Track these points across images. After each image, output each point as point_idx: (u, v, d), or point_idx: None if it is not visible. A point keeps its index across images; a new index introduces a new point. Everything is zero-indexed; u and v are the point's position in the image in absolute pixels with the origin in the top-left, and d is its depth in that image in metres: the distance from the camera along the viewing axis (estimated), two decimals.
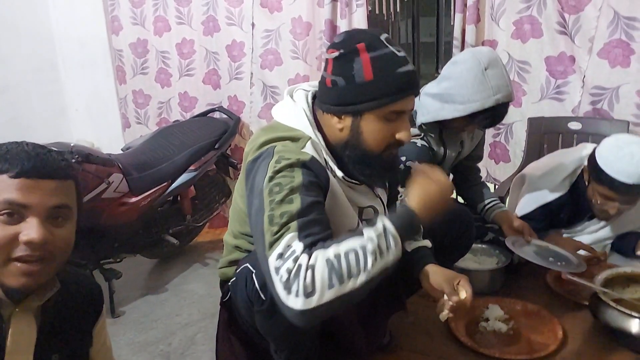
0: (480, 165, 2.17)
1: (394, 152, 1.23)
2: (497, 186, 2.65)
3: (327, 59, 1.17)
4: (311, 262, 0.96)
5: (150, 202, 2.45)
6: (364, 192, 1.28)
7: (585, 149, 1.94)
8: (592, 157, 1.78)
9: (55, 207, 0.85)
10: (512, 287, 1.85)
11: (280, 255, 0.98)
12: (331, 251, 0.98)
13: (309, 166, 1.11)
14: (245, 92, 3.01)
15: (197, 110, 3.11)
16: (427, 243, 1.41)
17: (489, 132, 2.51)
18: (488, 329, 1.59)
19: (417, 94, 1.20)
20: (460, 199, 2.16)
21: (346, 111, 1.15)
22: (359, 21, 2.63)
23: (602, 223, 1.99)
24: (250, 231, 1.25)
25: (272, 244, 1.00)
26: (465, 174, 2.09)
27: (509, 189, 2.25)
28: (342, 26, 2.66)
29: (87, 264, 2.32)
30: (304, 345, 1.22)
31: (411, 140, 1.76)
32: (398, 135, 1.18)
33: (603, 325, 1.50)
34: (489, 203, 2.00)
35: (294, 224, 1.01)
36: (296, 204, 1.04)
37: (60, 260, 0.88)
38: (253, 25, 2.86)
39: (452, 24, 2.56)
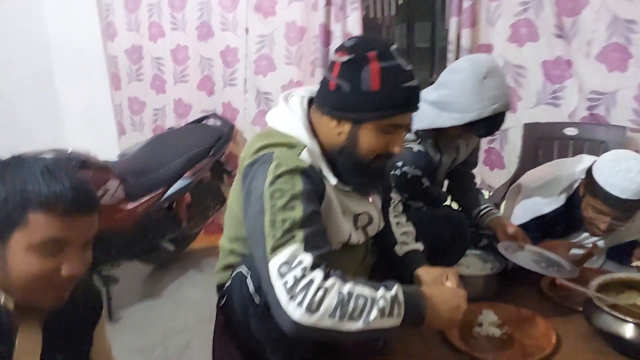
0: (474, 171, 2.18)
1: (382, 162, 1.25)
2: (491, 193, 2.66)
3: (333, 62, 1.17)
4: (326, 284, 0.99)
5: (147, 209, 2.46)
6: (358, 199, 1.29)
7: (582, 162, 1.94)
8: (589, 170, 1.78)
9: (90, 238, 0.90)
10: (506, 292, 1.85)
11: (286, 263, 1.00)
12: (347, 287, 1.01)
13: (308, 173, 1.12)
14: (239, 98, 3.01)
15: (191, 117, 3.12)
16: (420, 246, 1.42)
17: (484, 139, 2.51)
18: (482, 334, 1.59)
19: (416, 110, 1.21)
20: (454, 205, 2.17)
21: (347, 117, 1.16)
22: (354, 25, 2.64)
23: (596, 238, 1.99)
24: (245, 235, 1.26)
25: (275, 249, 1.02)
26: (459, 180, 2.10)
27: (503, 195, 2.25)
28: (337, 30, 2.67)
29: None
30: (298, 348, 1.23)
31: (408, 146, 1.78)
32: (391, 148, 1.19)
33: (597, 331, 1.51)
34: (483, 209, 2.01)
35: (299, 234, 1.03)
36: (298, 211, 1.05)
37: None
38: (247, 30, 2.87)
39: (446, 28, 2.56)
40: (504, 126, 2.05)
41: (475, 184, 2.15)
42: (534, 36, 2.37)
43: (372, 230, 1.36)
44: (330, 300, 0.98)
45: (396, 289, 1.06)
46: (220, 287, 1.36)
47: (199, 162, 2.68)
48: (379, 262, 1.50)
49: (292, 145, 1.17)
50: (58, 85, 3.42)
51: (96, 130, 3.46)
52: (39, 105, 3.31)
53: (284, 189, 1.07)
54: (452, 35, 2.49)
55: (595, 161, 1.79)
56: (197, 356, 2.01)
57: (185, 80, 3.11)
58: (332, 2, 2.64)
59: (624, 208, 1.71)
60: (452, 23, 2.47)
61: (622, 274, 1.68)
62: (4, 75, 3.05)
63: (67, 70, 3.39)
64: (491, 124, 1.69)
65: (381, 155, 1.20)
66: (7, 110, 3.06)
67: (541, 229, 2.00)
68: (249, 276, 1.15)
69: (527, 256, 1.79)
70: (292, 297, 0.97)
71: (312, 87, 1.29)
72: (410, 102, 1.16)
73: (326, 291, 0.98)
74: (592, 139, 2.26)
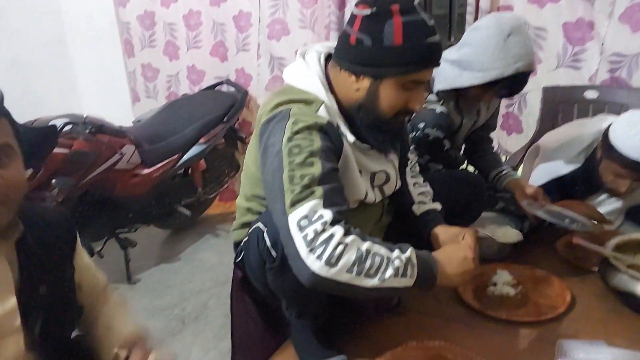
0: (492, 135, 2.15)
1: (401, 119, 1.24)
2: (508, 158, 2.63)
3: (354, 15, 1.14)
4: (346, 240, 1.00)
5: (162, 174, 2.49)
6: (376, 157, 1.29)
7: (604, 122, 1.88)
8: (605, 133, 1.75)
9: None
10: (521, 254, 1.85)
11: (306, 217, 1.01)
12: (366, 245, 1.03)
13: (326, 130, 1.12)
14: (252, 64, 3.00)
15: (205, 84, 3.12)
16: (437, 206, 1.42)
17: (502, 103, 2.47)
18: (496, 293, 1.60)
19: (438, 65, 1.19)
20: (470, 169, 2.16)
21: (367, 72, 1.14)
22: None
23: (615, 199, 1.96)
24: (261, 193, 1.26)
25: (295, 203, 1.02)
26: (477, 143, 2.07)
27: (521, 158, 2.23)
28: None
29: (102, 232, 2.37)
30: (314, 302, 1.25)
31: (430, 107, 1.76)
32: (411, 105, 1.17)
33: (612, 290, 1.51)
34: (501, 171, 1.98)
35: (318, 190, 1.03)
36: (317, 167, 1.05)
37: (14, 200, 0.87)
38: None
39: None
40: (523, 89, 2.02)
41: (492, 147, 2.13)
42: None
43: (389, 189, 1.36)
44: (349, 256, 0.99)
45: (410, 251, 1.07)
46: (237, 245, 1.37)
47: (213, 128, 2.69)
48: (395, 222, 1.50)
49: (309, 101, 1.16)
50: (71, 52, 3.43)
51: (110, 98, 3.48)
52: (53, 73, 3.33)
53: (302, 145, 1.07)
54: None
55: (611, 124, 1.76)
56: (214, 316, 2.05)
57: (198, 46, 3.09)
58: None
59: None
60: None
61: (639, 235, 1.67)
62: (18, 44, 3.07)
63: (80, 38, 3.39)
64: (513, 84, 1.66)
65: (400, 112, 1.19)
66: (22, 78, 3.08)
67: (560, 191, 1.98)
68: (265, 231, 1.16)
69: (549, 213, 1.78)
70: (312, 250, 0.98)
71: (330, 43, 1.26)
72: (433, 58, 1.14)
73: (346, 246, 0.99)
74: (613, 102, 2.21)
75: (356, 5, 1.15)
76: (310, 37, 2.79)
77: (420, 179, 1.51)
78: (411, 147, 1.67)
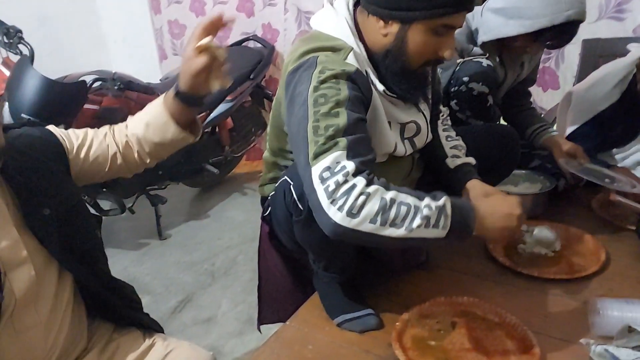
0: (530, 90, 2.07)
1: (429, 68, 1.19)
2: (543, 115, 2.54)
3: None
4: (369, 190, 0.97)
5: None
6: (406, 107, 1.24)
7: (636, 54, 1.82)
8: None
9: None
10: (556, 213, 1.81)
11: (328, 168, 0.98)
12: (390, 194, 0.98)
13: (354, 79, 1.08)
14: (279, 19, 2.94)
15: (231, 40, 3.08)
16: (471, 160, 1.38)
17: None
18: (527, 251, 1.58)
19: (471, 9, 1.12)
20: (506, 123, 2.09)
21: (395, 16, 1.08)
22: None
23: None
24: (288, 147, 1.24)
25: (318, 155, 0.99)
26: (516, 98, 1.98)
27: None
28: None
29: (133, 189, 2.40)
30: (341, 255, 1.24)
31: (476, 60, 1.69)
32: (441, 52, 1.12)
33: None
34: (538, 127, 1.92)
35: (342, 141, 1.00)
36: (342, 118, 1.02)
37: None
38: None
39: None
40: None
41: (530, 102, 2.05)
42: None
43: (420, 141, 1.32)
44: (372, 206, 0.96)
45: (444, 200, 1.02)
46: (264, 200, 1.37)
47: (239, 85, 2.67)
48: (425, 177, 1.47)
49: (337, 48, 1.12)
50: (100, 9, 3.42)
51: (138, 55, 3.48)
52: (83, 29, 3.33)
53: (329, 95, 1.03)
54: None
55: None
56: (242, 271, 2.08)
57: (224, 1, 3.04)
58: None
59: None
60: None
61: None
62: (47, 1, 3.06)
63: None
64: (563, 33, 1.57)
65: (429, 60, 1.14)
66: (51, 34, 3.09)
67: (599, 134, 1.91)
68: (292, 184, 1.14)
69: (588, 172, 1.73)
70: (333, 201, 0.96)
71: None
72: (463, 1, 1.08)
73: (368, 196, 0.96)
74: None
75: None
76: None
77: (453, 132, 1.47)
78: (451, 103, 1.61)
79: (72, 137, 1.06)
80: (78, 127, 1.97)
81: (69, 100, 2.01)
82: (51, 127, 1.06)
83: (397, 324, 1.21)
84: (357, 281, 1.36)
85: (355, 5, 1.19)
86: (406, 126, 1.25)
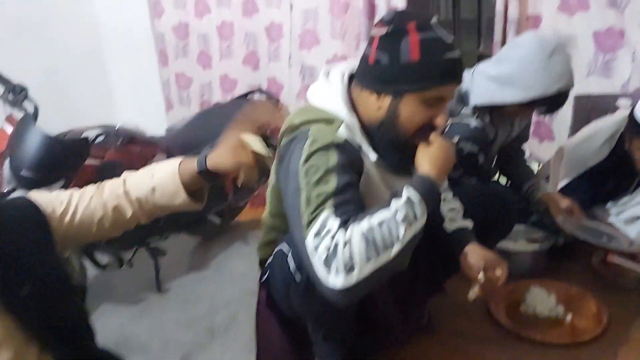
0: (523, 147, 2.11)
1: (424, 137, 1.21)
2: (540, 165, 2.58)
3: (372, 36, 1.15)
4: (347, 237, 0.97)
5: None
6: (401, 175, 1.27)
7: (624, 113, 1.90)
8: (631, 114, 1.75)
9: None
10: (556, 269, 1.81)
11: (317, 234, 0.99)
12: (365, 225, 0.99)
13: (343, 147, 1.11)
14: (283, 73, 3.01)
15: (237, 92, 3.14)
16: (469, 223, 1.39)
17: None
18: (529, 312, 1.57)
19: (460, 82, 1.17)
20: (502, 180, 2.11)
21: (386, 90, 1.13)
22: None
23: None
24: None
25: (309, 224, 1.01)
26: (510, 155, 2.03)
27: None
28: (381, 4, 2.62)
29: (133, 241, 2.39)
30: (340, 325, 1.23)
31: (464, 121, 1.73)
32: (434, 121, 1.16)
33: None
34: (534, 183, 1.95)
35: (329, 203, 1.01)
36: (332, 184, 1.04)
37: None
38: (291, 5, 2.85)
39: None
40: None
41: (525, 159, 2.09)
42: (584, 5, 2.27)
43: None
44: (359, 247, 0.96)
45: (405, 192, 1.04)
46: (262, 263, 1.37)
47: None
48: (422, 239, 1.47)
49: (330, 120, 1.16)
50: (108, 62, 3.51)
51: (145, 106, 3.54)
52: (90, 82, 3.40)
53: (318, 165, 1.06)
54: (499, 6, 2.40)
55: (635, 105, 1.75)
56: (244, 328, 2.04)
57: (230, 55, 3.13)
58: None
59: None
60: None
61: None
62: (55, 54, 3.15)
63: (116, 48, 3.46)
64: (554, 102, 1.64)
65: (423, 129, 1.17)
66: (59, 88, 3.15)
67: (591, 188, 1.96)
68: (289, 254, 1.15)
69: (585, 230, 1.74)
70: (329, 270, 0.96)
71: (353, 63, 1.26)
72: (452, 74, 1.12)
73: (350, 242, 0.96)
74: None
75: (374, 26, 1.16)
76: (341, 46, 2.79)
77: (450, 194, 1.49)
78: None
79: (55, 204, 1.03)
80: (79, 182, 2.02)
81: (70, 157, 2.03)
82: (34, 194, 1.03)
83: None
84: (357, 348, 1.34)
85: (350, 78, 1.23)
86: None
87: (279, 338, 1.40)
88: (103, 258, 2.24)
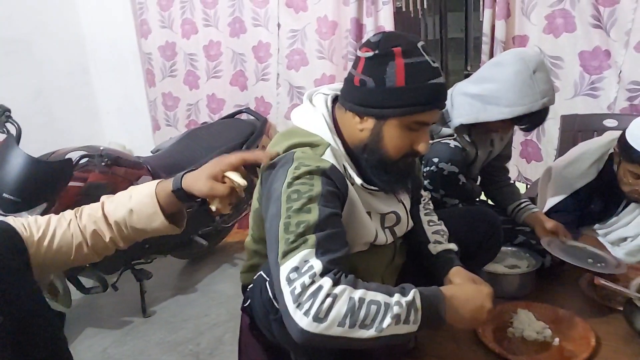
0: (511, 164, 2.12)
1: (408, 161, 1.22)
2: (528, 186, 2.59)
3: (358, 57, 1.15)
4: (335, 291, 0.95)
5: None
6: (385, 198, 1.26)
7: (612, 135, 1.92)
8: (622, 137, 1.77)
9: None
10: (543, 291, 1.80)
11: (296, 269, 0.96)
12: (358, 293, 0.97)
13: (329, 174, 1.10)
14: (271, 93, 3.02)
15: (224, 112, 3.14)
16: (453, 246, 1.38)
17: (521, 131, 2.45)
18: (517, 335, 1.55)
19: (443, 107, 1.17)
20: (489, 202, 2.11)
21: (370, 113, 1.13)
22: (386, 19, 2.60)
23: (638, 210, 1.92)
24: None
25: (287, 254, 0.99)
26: (493, 175, 2.04)
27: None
28: (369, 24, 2.64)
29: (118, 264, 2.36)
30: (322, 354, 1.21)
31: (444, 141, 1.74)
32: (416, 147, 1.16)
33: (638, 333, 1.45)
34: (519, 204, 1.95)
35: (311, 238, 0.99)
36: (314, 214, 1.02)
37: None
38: (279, 25, 2.87)
39: (480, 19, 2.50)
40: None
41: (509, 178, 2.10)
42: (570, 27, 2.31)
43: (400, 230, 1.33)
44: (340, 308, 0.94)
45: (413, 293, 1.00)
46: (245, 288, 1.35)
47: None
48: (408, 262, 1.46)
49: (315, 144, 1.15)
50: (94, 82, 3.50)
51: (132, 126, 3.53)
52: (76, 102, 3.39)
53: (302, 191, 1.04)
54: (486, 27, 2.44)
55: (626, 128, 1.77)
56: (229, 351, 2.02)
57: (218, 75, 3.13)
58: None
59: None
60: (487, 15, 2.42)
61: None
62: (41, 74, 3.14)
63: (102, 68, 3.46)
64: (537, 118, 1.67)
65: (407, 154, 1.17)
66: (45, 107, 3.14)
67: (576, 209, 1.97)
68: (268, 281, 1.13)
69: (571, 252, 1.74)
70: (299, 305, 0.94)
71: (337, 85, 1.26)
72: (436, 99, 1.13)
73: (335, 298, 0.94)
74: None
75: (360, 47, 1.16)
76: (329, 67, 2.81)
77: (435, 217, 1.48)
78: (424, 183, 1.64)
79: (33, 229, 1.02)
80: (62, 204, 1.99)
81: (53, 178, 2.01)
82: (11, 220, 1.01)
83: None
84: None
85: (334, 101, 1.23)
86: (386, 216, 1.26)
87: None
88: (88, 281, 2.21)
